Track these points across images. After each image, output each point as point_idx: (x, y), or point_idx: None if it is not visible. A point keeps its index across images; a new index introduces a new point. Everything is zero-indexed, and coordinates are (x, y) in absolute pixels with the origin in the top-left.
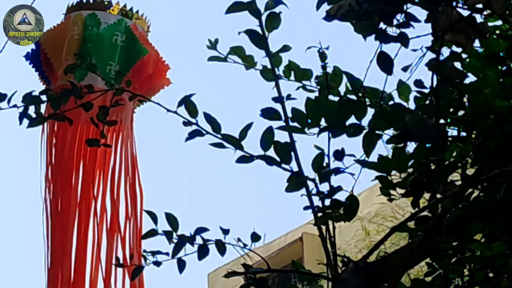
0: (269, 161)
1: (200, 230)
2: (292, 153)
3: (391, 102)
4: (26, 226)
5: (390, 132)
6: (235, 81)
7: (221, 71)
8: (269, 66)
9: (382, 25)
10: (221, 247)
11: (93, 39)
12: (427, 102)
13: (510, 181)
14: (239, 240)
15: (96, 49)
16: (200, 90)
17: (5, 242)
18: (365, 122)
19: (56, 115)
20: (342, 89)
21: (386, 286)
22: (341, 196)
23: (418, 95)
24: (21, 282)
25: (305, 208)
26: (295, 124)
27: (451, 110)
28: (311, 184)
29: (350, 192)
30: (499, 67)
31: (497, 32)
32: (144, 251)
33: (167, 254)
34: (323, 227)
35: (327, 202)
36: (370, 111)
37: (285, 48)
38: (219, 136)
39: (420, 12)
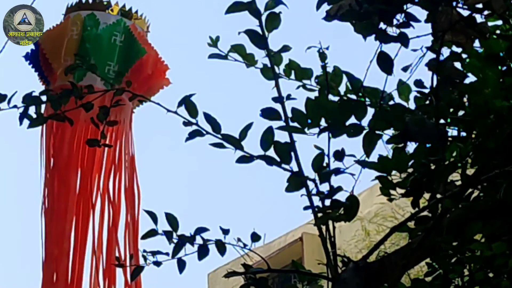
0: (269, 161)
1: (200, 230)
2: (292, 153)
3: (391, 102)
4: (26, 226)
5: (390, 132)
6: (235, 81)
7: (221, 71)
8: (269, 65)
9: (382, 25)
10: (221, 247)
11: (92, 39)
12: (427, 102)
13: (510, 181)
14: (239, 240)
15: (94, 49)
16: (200, 90)
17: (5, 242)
18: (365, 122)
19: (56, 116)
20: (342, 89)
21: (386, 286)
22: (341, 196)
23: (418, 95)
24: (21, 282)
25: (305, 208)
26: (295, 124)
27: (451, 110)
28: (311, 184)
29: (350, 192)
30: (499, 67)
31: (497, 32)
32: (144, 251)
33: (167, 254)
34: (323, 227)
35: (327, 202)
36: (370, 111)
37: (285, 48)
38: (219, 136)
39: (420, 12)
